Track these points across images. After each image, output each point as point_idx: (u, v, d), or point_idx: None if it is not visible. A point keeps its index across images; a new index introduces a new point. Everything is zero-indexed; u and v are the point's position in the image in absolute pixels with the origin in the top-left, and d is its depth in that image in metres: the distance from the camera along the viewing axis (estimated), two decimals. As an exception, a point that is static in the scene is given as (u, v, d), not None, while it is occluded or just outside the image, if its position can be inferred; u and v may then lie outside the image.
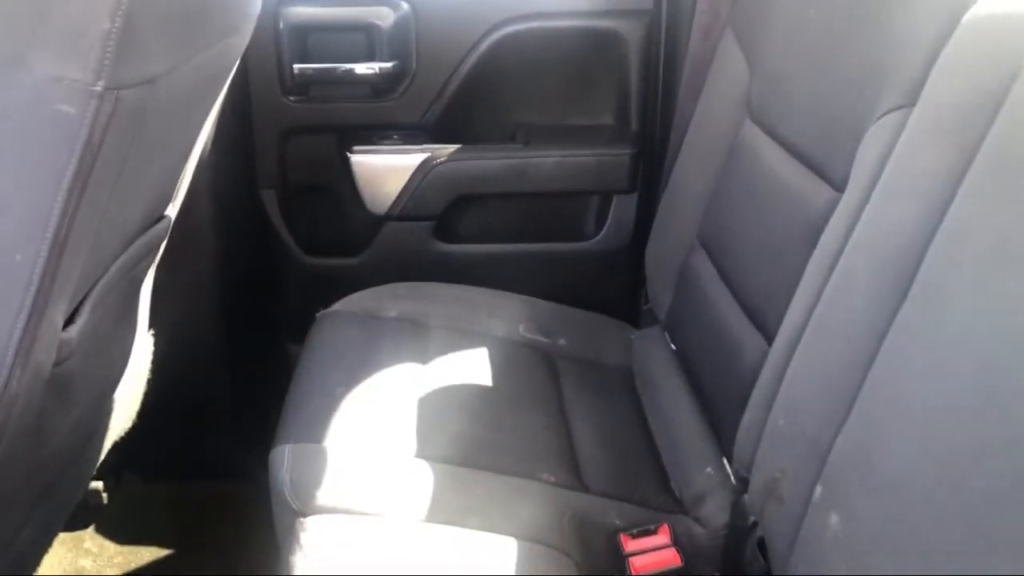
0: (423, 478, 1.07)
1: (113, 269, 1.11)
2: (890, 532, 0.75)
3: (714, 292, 1.26)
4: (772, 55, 1.25)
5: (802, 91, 1.14)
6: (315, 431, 1.12)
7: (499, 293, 1.56)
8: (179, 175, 1.27)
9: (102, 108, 0.81)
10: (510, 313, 1.51)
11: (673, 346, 1.44)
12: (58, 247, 0.85)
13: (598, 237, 1.68)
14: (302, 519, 1.00)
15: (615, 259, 1.68)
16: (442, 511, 1.02)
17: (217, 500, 1.68)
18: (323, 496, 1.02)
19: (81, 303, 1.03)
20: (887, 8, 0.97)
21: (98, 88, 0.80)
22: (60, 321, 0.96)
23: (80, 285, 0.99)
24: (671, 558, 1.01)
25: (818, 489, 0.86)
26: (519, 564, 0.97)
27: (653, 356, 1.47)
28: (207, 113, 1.25)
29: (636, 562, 1.01)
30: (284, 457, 1.08)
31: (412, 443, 1.13)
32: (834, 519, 0.83)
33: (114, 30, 0.79)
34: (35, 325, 0.88)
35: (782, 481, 0.92)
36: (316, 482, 1.04)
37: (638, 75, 1.61)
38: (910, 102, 0.86)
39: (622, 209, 1.66)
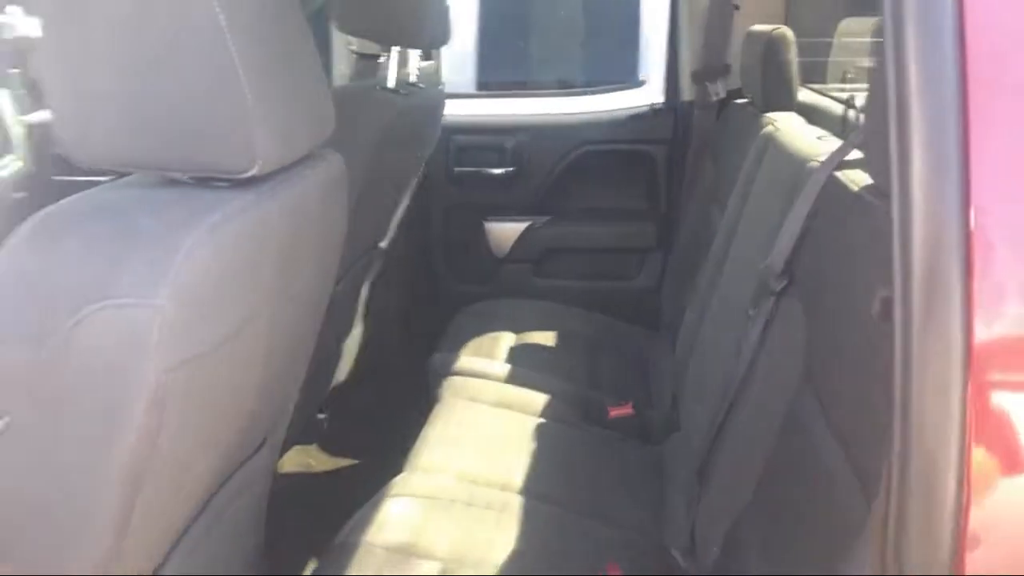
0: (507, 368, 2.03)
1: (358, 265, 2.13)
2: (702, 402, 1.65)
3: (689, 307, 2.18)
4: (722, 164, 2.20)
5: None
6: (453, 347, 2.12)
7: (571, 308, 2.52)
8: (389, 223, 2.32)
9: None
10: (576, 319, 2.46)
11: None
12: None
13: (637, 278, 2.64)
14: (443, 378, 1.98)
15: (646, 292, 2.62)
16: (514, 379, 1.98)
17: (393, 437, 2.64)
18: (454, 367, 2.00)
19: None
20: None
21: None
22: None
23: (352, 256, 1.99)
24: (629, 411, 1.92)
25: (686, 395, 1.77)
26: (555, 413, 1.90)
27: (659, 348, 2.38)
28: (407, 187, 2.30)
29: (612, 412, 1.92)
30: (436, 357, 2.07)
31: (504, 355, 2.10)
32: (689, 406, 1.74)
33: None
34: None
35: (680, 398, 1.83)
36: (452, 362, 2.02)
37: (662, 178, 2.60)
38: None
39: (651, 261, 2.62)
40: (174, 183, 0.91)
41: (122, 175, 0.94)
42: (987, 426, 0.56)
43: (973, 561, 0.57)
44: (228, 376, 0.95)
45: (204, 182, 0.90)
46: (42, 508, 0.86)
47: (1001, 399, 0.56)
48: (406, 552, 1.38)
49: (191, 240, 0.81)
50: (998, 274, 0.56)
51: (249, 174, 0.89)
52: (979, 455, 0.56)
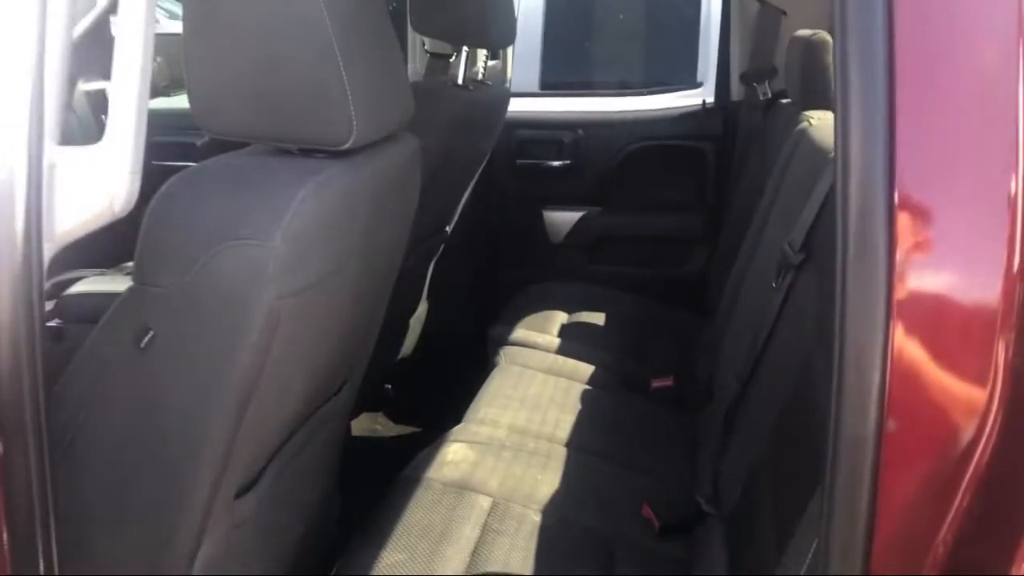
0: (559, 341, 2.22)
1: (425, 246, 2.34)
2: (732, 372, 1.82)
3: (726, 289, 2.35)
4: (765, 159, 2.36)
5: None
6: (511, 321, 2.31)
7: (621, 292, 2.70)
8: (455, 209, 2.52)
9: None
10: (625, 303, 2.64)
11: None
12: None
13: (684, 267, 2.81)
14: (500, 348, 2.18)
15: (692, 280, 2.79)
16: (564, 350, 2.17)
17: (454, 407, 2.85)
18: (510, 338, 2.20)
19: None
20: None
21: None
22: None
23: (420, 235, 2.20)
24: (670, 383, 2.09)
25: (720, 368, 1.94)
26: (600, 381, 2.09)
27: (702, 331, 2.54)
28: (472, 176, 2.50)
29: (654, 383, 2.10)
30: (495, 329, 2.27)
31: (556, 331, 2.30)
32: (722, 378, 1.90)
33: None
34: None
35: (715, 372, 2.00)
36: (507, 335, 2.22)
37: (711, 172, 2.76)
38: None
39: (698, 251, 2.79)
40: (284, 152, 1.12)
41: (240, 146, 1.16)
42: (903, 330, 0.74)
43: (893, 440, 0.75)
44: (325, 309, 1.16)
45: (308, 152, 1.11)
46: (176, 412, 1.08)
47: (913, 317, 0.74)
48: (461, 487, 1.58)
49: (300, 195, 1.02)
50: (914, 222, 0.74)
51: (344, 147, 1.10)
52: (898, 361, 0.74)
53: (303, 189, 1.03)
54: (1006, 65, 0.74)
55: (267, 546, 1.32)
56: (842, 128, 0.74)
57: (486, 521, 1.51)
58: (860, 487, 0.76)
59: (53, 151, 0.85)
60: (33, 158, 0.82)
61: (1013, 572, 0.75)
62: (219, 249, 0.98)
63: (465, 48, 2.21)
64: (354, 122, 1.08)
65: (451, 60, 2.54)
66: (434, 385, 2.87)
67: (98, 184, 0.83)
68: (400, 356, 2.55)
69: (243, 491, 1.21)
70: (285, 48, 1.06)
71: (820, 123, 1.88)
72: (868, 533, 0.77)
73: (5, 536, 0.90)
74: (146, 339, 1.02)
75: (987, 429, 0.75)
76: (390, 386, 2.84)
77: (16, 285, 0.84)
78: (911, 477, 0.77)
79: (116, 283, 1.98)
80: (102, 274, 2.16)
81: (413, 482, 1.58)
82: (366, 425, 2.81)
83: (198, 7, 1.09)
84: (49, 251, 0.87)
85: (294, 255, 1.02)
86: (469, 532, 1.47)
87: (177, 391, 1.06)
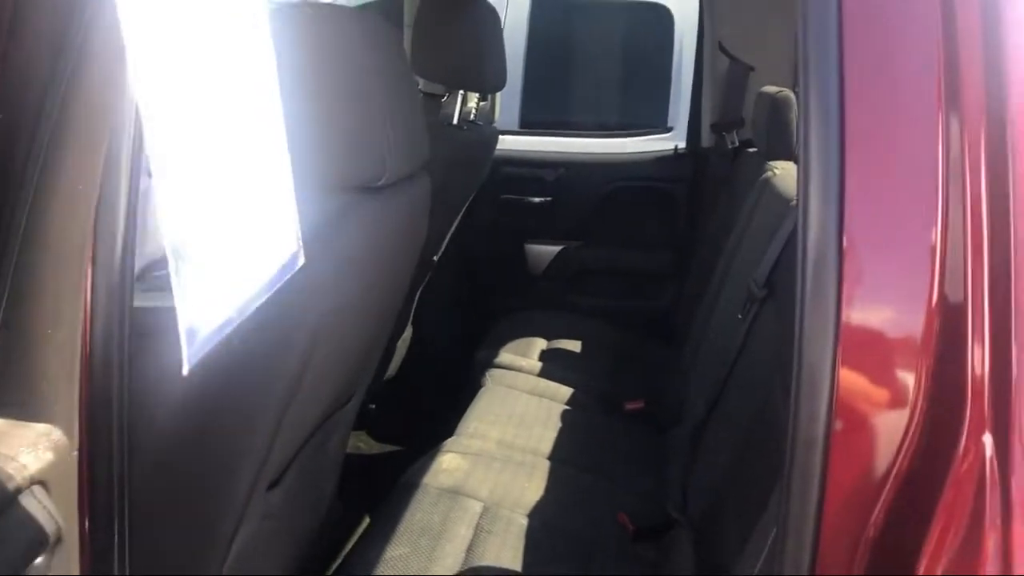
0: (540, 365, 2.39)
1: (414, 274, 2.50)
2: (701, 396, 2.01)
3: (695, 321, 2.54)
4: (732, 203, 2.56)
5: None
6: (494, 347, 2.48)
7: (597, 321, 2.88)
8: (442, 240, 2.69)
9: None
10: (601, 331, 2.82)
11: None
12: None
13: (655, 300, 3.01)
14: (487, 370, 2.35)
15: (662, 312, 2.99)
16: (545, 373, 2.34)
17: (433, 428, 3.00)
18: (495, 361, 2.37)
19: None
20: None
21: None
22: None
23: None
24: (641, 406, 2.27)
25: (690, 392, 2.12)
26: (578, 402, 2.26)
27: (671, 359, 2.73)
28: (460, 209, 2.67)
29: (627, 405, 2.27)
30: (480, 353, 2.44)
31: (537, 356, 2.47)
32: (692, 401, 2.09)
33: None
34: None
35: (685, 396, 2.19)
36: (492, 359, 2.39)
37: (682, 213, 2.97)
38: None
39: (669, 285, 2.99)
40: (331, 188, 1.29)
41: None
42: (848, 351, 0.92)
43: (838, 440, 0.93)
44: (354, 326, 1.33)
45: (347, 189, 1.29)
46: (231, 412, 1.23)
47: (856, 340, 0.93)
48: (455, 492, 1.74)
49: (340, 227, 1.19)
50: (858, 264, 0.93)
51: (379, 184, 1.27)
52: (844, 376, 0.92)
53: (344, 220, 1.20)
54: (929, 137, 0.94)
55: (288, 535, 1.47)
56: (803, 185, 0.93)
57: (478, 523, 1.67)
58: (812, 479, 0.94)
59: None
60: (134, 188, 0.98)
61: (923, 548, 0.93)
62: None
63: (460, 91, 2.40)
64: (388, 163, 1.25)
65: (442, 100, 2.72)
66: (415, 406, 3.03)
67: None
68: (384, 377, 2.70)
69: (272, 485, 1.36)
70: (334, 100, 1.23)
71: (783, 173, 2.08)
72: (817, 517, 0.95)
73: (87, 528, 0.99)
74: (204, 347, 1.17)
75: (909, 433, 0.94)
76: (374, 406, 2.98)
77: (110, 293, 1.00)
78: (852, 470, 0.95)
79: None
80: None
81: (412, 487, 1.74)
82: (351, 443, 2.94)
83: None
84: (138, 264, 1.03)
85: (334, 279, 1.19)
86: (464, 532, 1.63)
87: (232, 394, 1.21)
